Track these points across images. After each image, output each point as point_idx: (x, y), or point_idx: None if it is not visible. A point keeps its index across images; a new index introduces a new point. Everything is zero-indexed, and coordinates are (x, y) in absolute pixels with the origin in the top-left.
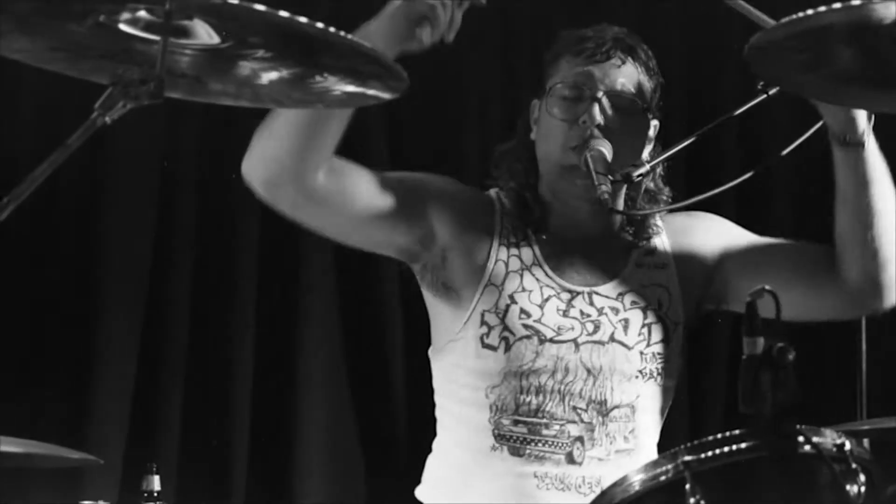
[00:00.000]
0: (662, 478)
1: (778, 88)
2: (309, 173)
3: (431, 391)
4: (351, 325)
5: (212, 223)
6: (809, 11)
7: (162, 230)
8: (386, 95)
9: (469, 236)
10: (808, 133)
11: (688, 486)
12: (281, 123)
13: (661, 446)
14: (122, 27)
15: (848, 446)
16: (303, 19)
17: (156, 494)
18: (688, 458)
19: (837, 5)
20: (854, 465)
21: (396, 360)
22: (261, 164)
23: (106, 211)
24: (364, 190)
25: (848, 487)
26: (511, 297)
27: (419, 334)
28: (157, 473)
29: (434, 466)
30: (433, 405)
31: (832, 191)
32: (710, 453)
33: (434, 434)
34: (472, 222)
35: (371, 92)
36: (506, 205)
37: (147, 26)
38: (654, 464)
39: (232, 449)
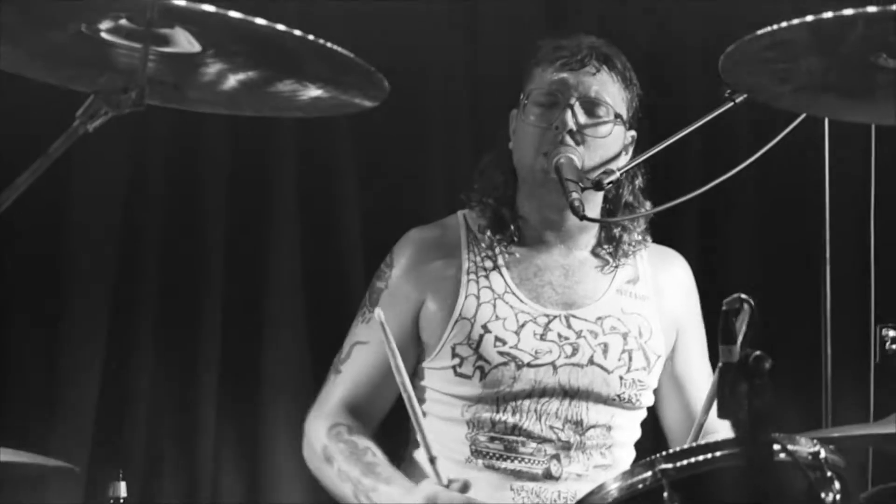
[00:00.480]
0: (640, 486)
1: (745, 96)
2: None
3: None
4: (318, 329)
5: (178, 226)
6: (783, 24)
7: (128, 233)
8: (366, 104)
9: (437, 287)
10: (773, 142)
11: (665, 494)
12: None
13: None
14: (105, 36)
15: (823, 454)
16: (281, 27)
17: (122, 501)
18: (665, 465)
19: (809, 18)
20: (829, 473)
21: None
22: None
23: (71, 213)
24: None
25: (823, 495)
26: (484, 326)
27: None
28: (123, 480)
29: (409, 475)
30: (401, 412)
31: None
32: (686, 461)
33: (405, 442)
34: (438, 272)
35: (352, 100)
36: (472, 229)
37: (129, 35)
38: (631, 472)
39: (198, 455)
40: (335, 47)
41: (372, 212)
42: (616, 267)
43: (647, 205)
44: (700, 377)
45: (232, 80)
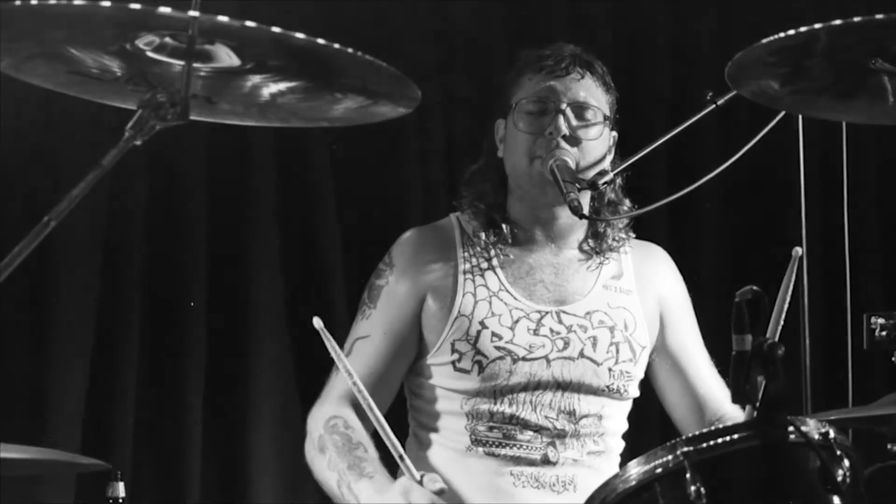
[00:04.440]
0: (660, 469)
1: (726, 98)
2: None
3: None
4: (299, 324)
5: (161, 228)
6: (791, 31)
7: (111, 236)
8: (396, 112)
9: (436, 286)
10: (756, 138)
11: (688, 475)
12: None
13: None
14: (149, 53)
15: (832, 434)
16: (321, 41)
17: (121, 501)
18: (687, 448)
19: (818, 25)
20: (838, 452)
21: None
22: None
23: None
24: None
25: (834, 472)
26: (482, 322)
27: None
28: (121, 480)
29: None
30: (400, 411)
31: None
32: (707, 444)
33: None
34: (437, 272)
35: (381, 109)
36: (466, 230)
37: (171, 52)
38: (653, 455)
39: (185, 454)
40: (373, 59)
41: (351, 226)
42: (601, 263)
43: (627, 201)
44: (697, 353)
45: (266, 93)
